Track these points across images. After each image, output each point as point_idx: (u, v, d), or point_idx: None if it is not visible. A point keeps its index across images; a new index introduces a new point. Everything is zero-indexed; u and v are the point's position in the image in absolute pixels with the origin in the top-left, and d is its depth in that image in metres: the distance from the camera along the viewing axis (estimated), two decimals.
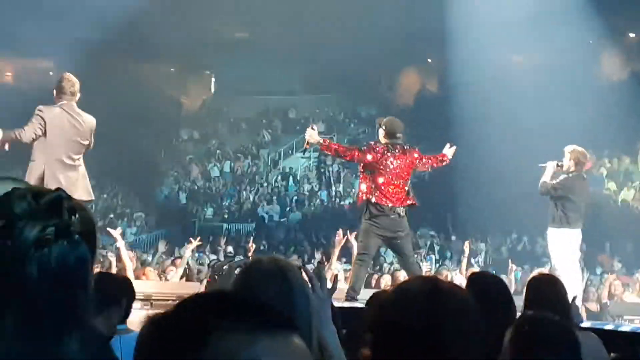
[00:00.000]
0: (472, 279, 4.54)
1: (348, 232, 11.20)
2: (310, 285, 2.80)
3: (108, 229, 10.64)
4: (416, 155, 9.53)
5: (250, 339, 1.21)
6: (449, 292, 2.12)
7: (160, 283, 11.13)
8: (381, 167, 9.23)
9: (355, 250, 9.76)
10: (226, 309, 1.26)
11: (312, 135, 9.52)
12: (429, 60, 29.24)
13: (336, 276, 9.65)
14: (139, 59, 28.66)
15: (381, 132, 9.44)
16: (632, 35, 25.85)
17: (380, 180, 9.24)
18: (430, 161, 9.75)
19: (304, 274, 2.83)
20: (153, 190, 28.07)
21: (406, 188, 9.42)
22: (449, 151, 9.93)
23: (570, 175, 10.01)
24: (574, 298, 5.42)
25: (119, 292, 4.59)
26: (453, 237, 18.31)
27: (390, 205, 9.23)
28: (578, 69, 21.76)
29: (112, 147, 30.06)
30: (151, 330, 1.27)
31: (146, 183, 28.53)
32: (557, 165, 10.15)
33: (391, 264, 14.80)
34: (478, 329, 2.10)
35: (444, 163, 9.87)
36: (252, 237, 14.03)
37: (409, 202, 9.42)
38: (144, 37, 27.25)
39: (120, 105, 27.96)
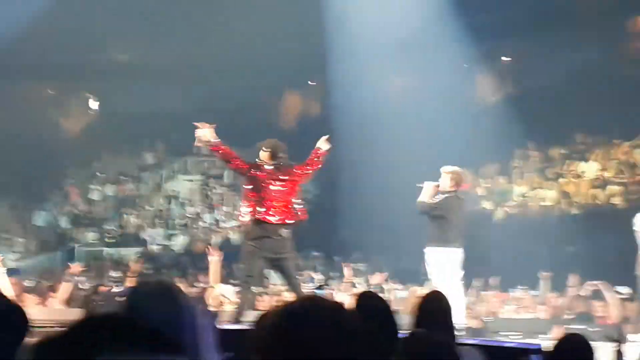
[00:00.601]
0: (358, 298, 4.67)
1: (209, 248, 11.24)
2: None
3: None
4: (298, 171, 9.64)
5: None
6: (332, 310, 2.13)
7: (40, 309, 10.92)
8: (266, 186, 9.30)
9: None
10: (117, 333, 1.27)
11: (204, 134, 9.47)
12: (310, 82, 29.54)
13: (221, 301, 9.68)
14: (16, 79, 28.03)
15: (264, 155, 9.53)
16: (504, 58, 26.71)
17: (265, 198, 9.31)
18: (309, 167, 9.81)
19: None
20: (33, 215, 27.40)
21: (291, 206, 9.53)
22: (322, 143, 10.00)
23: (448, 195, 10.30)
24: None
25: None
26: (336, 258, 18.52)
27: (275, 221, 9.29)
28: (455, 92, 22.38)
29: None
30: (42, 351, 1.26)
31: (26, 207, 27.84)
32: (435, 186, 10.45)
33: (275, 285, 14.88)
34: (363, 347, 2.12)
35: (322, 157, 9.90)
36: (137, 257, 13.82)
37: (294, 218, 9.52)
38: (22, 58, 26.68)
39: None
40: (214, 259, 11.19)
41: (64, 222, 27.36)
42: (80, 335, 1.30)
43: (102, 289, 11.26)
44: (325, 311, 2.11)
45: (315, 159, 9.83)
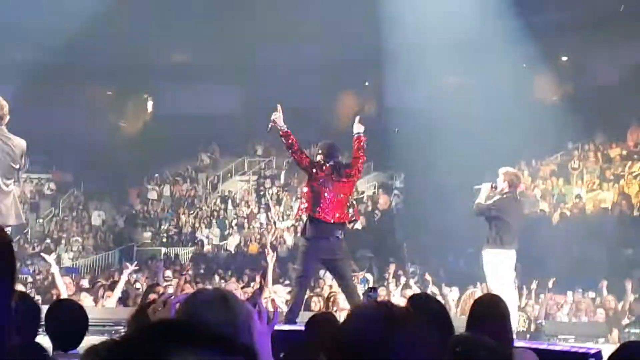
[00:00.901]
0: (412, 300, 4.62)
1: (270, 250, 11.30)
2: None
3: (42, 254, 10.55)
4: (353, 168, 9.65)
5: None
6: (402, 316, 2.18)
7: (96, 308, 11.04)
8: (324, 185, 9.35)
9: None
10: (183, 337, 1.30)
11: (278, 116, 9.60)
12: (366, 83, 29.50)
13: (276, 307, 9.70)
14: (76, 82, 28.42)
15: (320, 157, 9.58)
16: (564, 58, 26.41)
17: (323, 196, 9.35)
18: (359, 159, 9.81)
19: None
20: (90, 214, 27.79)
21: (347, 207, 9.56)
22: (357, 127, 9.99)
23: (504, 196, 10.20)
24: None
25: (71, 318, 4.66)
26: (391, 259, 18.44)
27: (332, 221, 9.32)
28: (512, 92, 22.15)
29: (48, 170, 29.77)
30: (113, 354, 1.29)
31: (83, 207, 28.26)
32: (492, 187, 10.35)
33: (330, 286, 14.87)
34: (429, 353, 2.17)
35: (363, 142, 9.89)
36: (190, 258, 13.94)
37: (350, 217, 9.55)
38: (81, 60, 27.06)
39: (57, 128, 27.69)
40: (271, 260, 11.24)
41: (121, 222, 27.69)
42: (148, 339, 1.33)
43: (158, 288, 11.33)
44: (395, 317, 2.15)
45: (359, 148, 9.84)
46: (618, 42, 23.52)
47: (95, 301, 11.55)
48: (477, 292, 11.11)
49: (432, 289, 14.60)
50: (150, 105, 32.87)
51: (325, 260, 9.58)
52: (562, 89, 25.59)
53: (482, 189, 10.43)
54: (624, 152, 22.06)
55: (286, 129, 9.58)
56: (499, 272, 9.94)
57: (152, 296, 9.52)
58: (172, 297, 3.29)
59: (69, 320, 4.67)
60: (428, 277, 14.10)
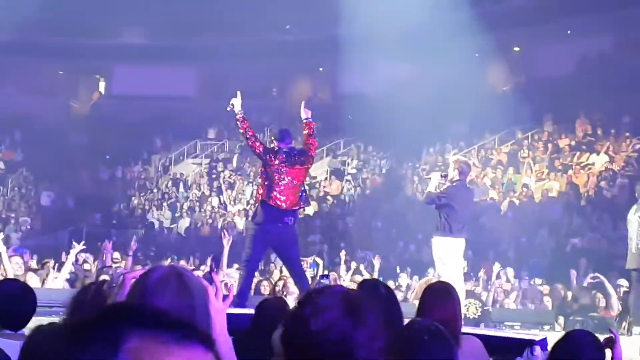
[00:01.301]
0: (362, 285, 4.67)
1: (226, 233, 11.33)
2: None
3: None
4: (308, 153, 9.69)
5: (164, 350, 1.25)
6: (359, 300, 2.23)
7: (42, 289, 10.94)
8: (279, 171, 9.38)
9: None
10: (142, 320, 1.29)
11: (237, 102, 9.64)
12: (321, 68, 29.53)
13: (232, 285, 9.70)
14: (27, 60, 28.07)
15: (274, 144, 9.62)
16: (516, 48, 26.67)
17: (277, 183, 9.39)
18: (311, 143, 9.87)
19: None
20: (39, 194, 27.49)
21: (300, 193, 9.60)
22: (303, 113, 10.07)
23: (454, 184, 10.29)
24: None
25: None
26: (342, 244, 18.53)
27: (285, 207, 9.36)
28: (464, 81, 22.32)
29: None
30: (65, 336, 1.29)
31: (32, 187, 27.95)
32: (441, 176, 10.46)
33: (281, 270, 14.90)
34: (384, 341, 2.21)
35: (313, 126, 9.97)
36: (134, 238, 13.83)
37: (302, 205, 9.62)
38: (33, 38, 26.71)
39: (7, 106, 27.33)
40: (227, 243, 11.23)
41: (71, 203, 27.43)
42: (103, 321, 1.32)
43: (106, 270, 11.26)
44: (354, 301, 2.19)
45: (310, 134, 9.89)
46: (569, 33, 23.83)
47: (43, 282, 11.46)
48: (429, 279, 11.21)
49: (381, 275, 14.70)
50: (102, 85, 32.57)
51: (275, 246, 9.64)
52: (513, 79, 25.86)
53: (432, 178, 10.55)
54: (573, 143, 22.37)
55: (242, 115, 9.61)
56: (448, 259, 10.04)
57: (103, 277, 9.47)
58: (127, 273, 3.26)
59: (15, 301, 4.60)
60: (376, 262, 14.17)
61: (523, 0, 24.19)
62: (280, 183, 9.46)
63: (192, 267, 15.48)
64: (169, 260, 14.62)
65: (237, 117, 9.62)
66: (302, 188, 9.76)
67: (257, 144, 9.55)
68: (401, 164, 23.86)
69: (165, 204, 26.43)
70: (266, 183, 9.48)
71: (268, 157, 9.47)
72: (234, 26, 25.53)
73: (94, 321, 1.29)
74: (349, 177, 24.80)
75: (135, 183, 28.29)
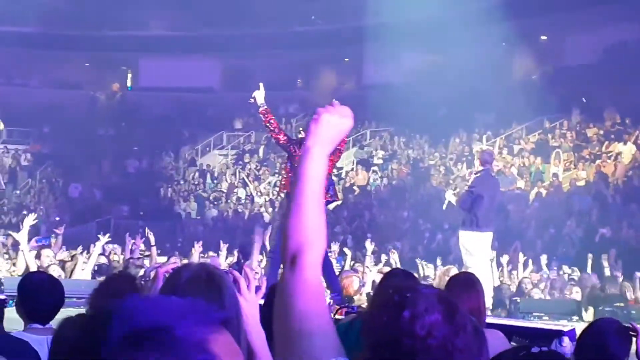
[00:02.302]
0: (387, 275, 4.64)
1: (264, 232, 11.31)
2: (238, 288, 2.76)
3: (11, 232, 10.51)
4: (336, 147, 9.66)
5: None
6: (455, 303, 2.11)
7: (70, 280, 10.99)
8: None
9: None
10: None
11: (259, 95, 9.66)
12: (346, 59, 29.47)
13: (263, 277, 9.69)
14: (53, 53, 28.21)
15: (302, 135, 9.62)
16: (543, 37, 26.47)
17: None
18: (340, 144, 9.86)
19: (232, 276, 2.78)
20: (67, 186, 27.66)
21: (327, 184, 9.57)
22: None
23: (477, 175, 10.23)
24: None
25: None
26: (368, 235, 18.49)
27: None
28: (491, 70, 22.19)
29: (25, 141, 29.57)
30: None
31: (60, 179, 28.12)
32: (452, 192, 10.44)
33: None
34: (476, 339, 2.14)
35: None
36: (130, 241, 13.89)
37: (329, 197, 9.56)
38: (58, 30, 26.83)
39: (35, 99, 27.50)
40: (264, 236, 11.27)
41: (99, 195, 27.58)
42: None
43: (133, 261, 11.31)
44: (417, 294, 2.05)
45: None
46: (597, 22, 23.60)
47: (71, 273, 11.51)
48: (453, 268, 11.14)
49: (409, 266, 14.65)
50: (128, 77, 32.69)
51: None
52: (540, 68, 25.66)
53: (447, 197, 10.50)
54: (601, 132, 22.17)
55: (265, 107, 9.61)
56: (476, 252, 9.98)
57: (132, 269, 9.52)
58: (160, 267, 3.27)
59: (41, 294, 4.57)
60: (407, 253, 14.14)
61: None
62: None
63: (220, 258, 15.50)
64: (195, 247, 14.62)
65: (260, 109, 9.63)
66: (330, 180, 9.71)
67: (281, 135, 9.54)
68: (428, 154, 23.76)
69: (192, 195, 26.50)
70: (290, 174, 9.46)
71: (292, 148, 9.44)
72: (258, 17, 25.51)
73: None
74: (375, 168, 24.73)
75: (163, 174, 28.38)
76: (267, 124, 9.58)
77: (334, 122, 2.37)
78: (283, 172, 9.75)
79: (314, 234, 2.20)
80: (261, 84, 9.77)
